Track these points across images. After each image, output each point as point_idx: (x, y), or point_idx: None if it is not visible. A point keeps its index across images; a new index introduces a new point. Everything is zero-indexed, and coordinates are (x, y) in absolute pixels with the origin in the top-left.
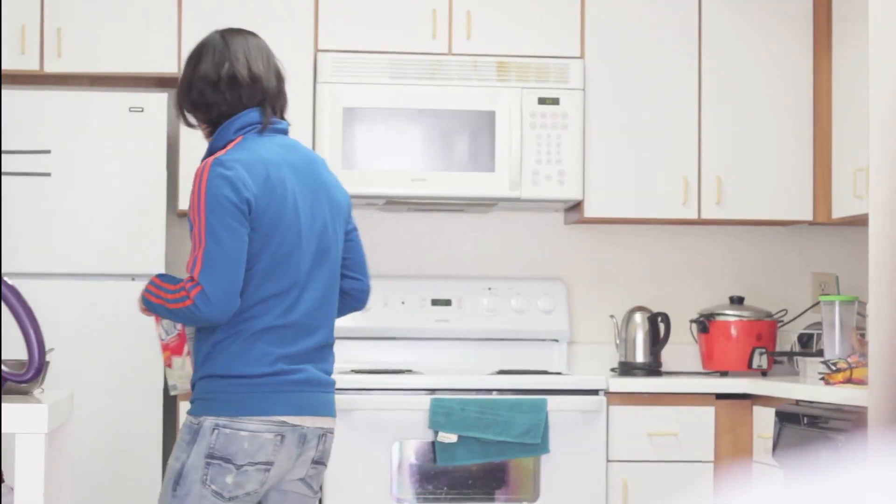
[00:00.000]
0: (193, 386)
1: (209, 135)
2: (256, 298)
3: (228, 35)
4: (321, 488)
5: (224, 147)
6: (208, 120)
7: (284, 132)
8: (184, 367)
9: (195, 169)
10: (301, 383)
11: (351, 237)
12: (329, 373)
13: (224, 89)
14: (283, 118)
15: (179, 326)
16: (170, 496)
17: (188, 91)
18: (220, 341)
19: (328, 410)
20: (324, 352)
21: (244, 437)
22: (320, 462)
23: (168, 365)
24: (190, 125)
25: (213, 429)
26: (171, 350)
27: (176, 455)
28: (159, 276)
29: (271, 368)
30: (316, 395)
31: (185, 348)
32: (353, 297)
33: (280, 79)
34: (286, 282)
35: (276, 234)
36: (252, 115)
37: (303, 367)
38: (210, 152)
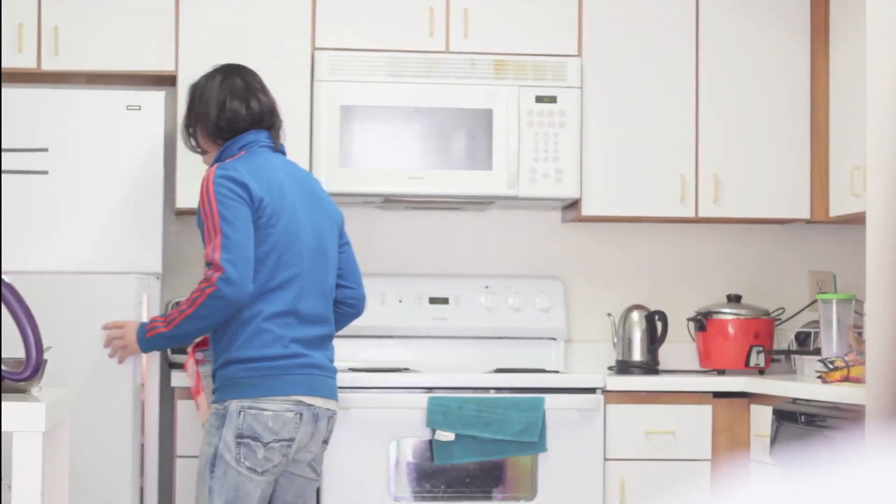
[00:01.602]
0: (214, 375)
1: (213, 153)
2: (267, 286)
3: (234, 72)
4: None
5: (228, 159)
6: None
7: (283, 153)
8: (201, 406)
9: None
10: (311, 367)
11: (344, 249)
12: (332, 360)
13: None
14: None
15: (196, 368)
16: (208, 477)
17: (217, 120)
18: (236, 328)
19: (334, 394)
20: (326, 341)
21: (268, 416)
22: (326, 441)
23: (197, 408)
24: (195, 149)
25: (240, 412)
26: (193, 392)
27: (208, 441)
28: (152, 321)
29: (286, 350)
30: (324, 378)
31: (202, 385)
32: (349, 305)
33: (276, 106)
34: (292, 272)
35: (279, 227)
36: (252, 135)
37: (311, 353)
38: (215, 161)
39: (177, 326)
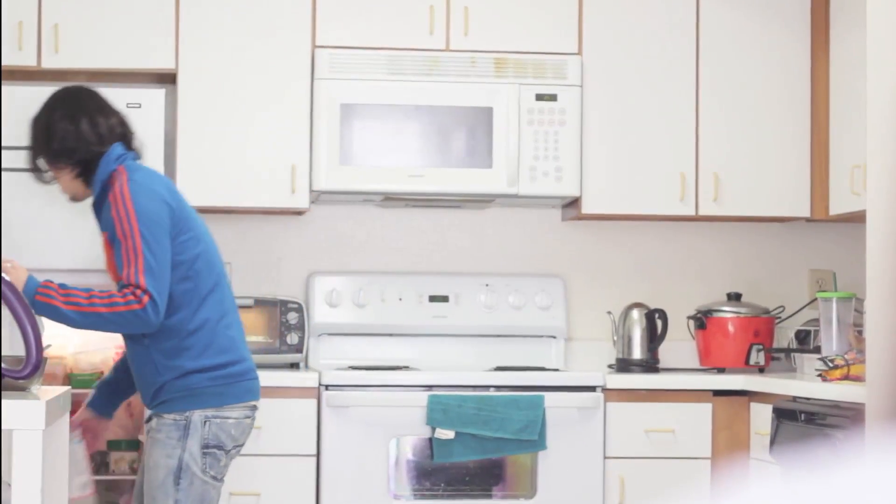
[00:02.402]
0: (162, 387)
1: (77, 175)
2: (203, 292)
3: (80, 95)
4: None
5: (110, 175)
6: (75, 162)
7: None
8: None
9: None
10: (252, 370)
11: None
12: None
13: (87, 134)
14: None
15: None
16: (172, 490)
17: (48, 142)
18: (184, 337)
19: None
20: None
21: (231, 423)
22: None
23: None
24: (45, 181)
25: (204, 422)
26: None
27: (167, 453)
28: (54, 282)
29: (238, 355)
30: (257, 381)
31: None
32: None
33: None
34: (216, 273)
35: (199, 234)
36: (118, 147)
37: (246, 355)
38: (100, 185)
39: (78, 313)
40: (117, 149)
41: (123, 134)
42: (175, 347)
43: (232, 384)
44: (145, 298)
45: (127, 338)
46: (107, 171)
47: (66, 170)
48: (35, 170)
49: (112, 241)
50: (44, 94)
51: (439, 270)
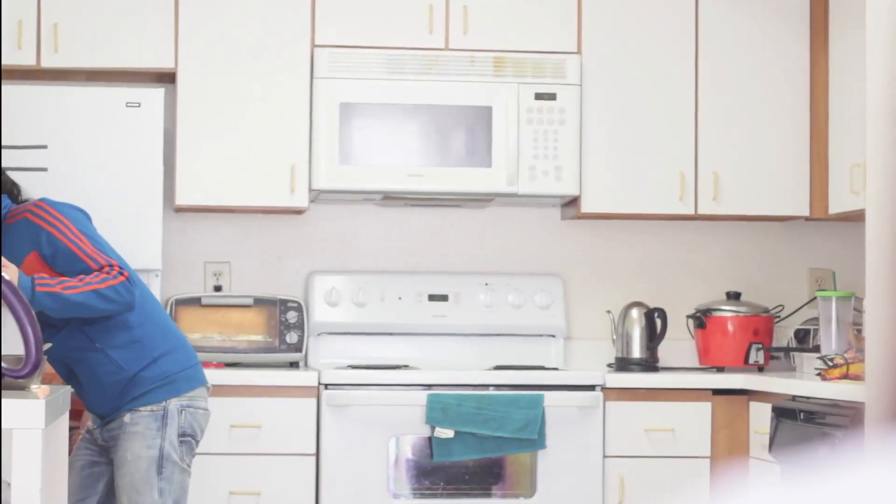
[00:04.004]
0: (132, 380)
1: None
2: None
3: None
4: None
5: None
6: None
7: None
8: None
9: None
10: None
11: None
12: None
13: None
14: None
15: None
16: (156, 479)
17: None
18: (150, 327)
19: None
20: None
21: (201, 414)
22: None
23: None
24: None
25: (180, 410)
26: None
27: (147, 444)
28: (39, 277)
29: (182, 338)
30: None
31: None
32: None
33: None
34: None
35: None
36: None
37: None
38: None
39: (79, 293)
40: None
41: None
42: (129, 339)
43: (194, 367)
44: (125, 273)
45: (75, 352)
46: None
47: None
48: None
49: (53, 256)
50: (43, 94)
51: (439, 269)
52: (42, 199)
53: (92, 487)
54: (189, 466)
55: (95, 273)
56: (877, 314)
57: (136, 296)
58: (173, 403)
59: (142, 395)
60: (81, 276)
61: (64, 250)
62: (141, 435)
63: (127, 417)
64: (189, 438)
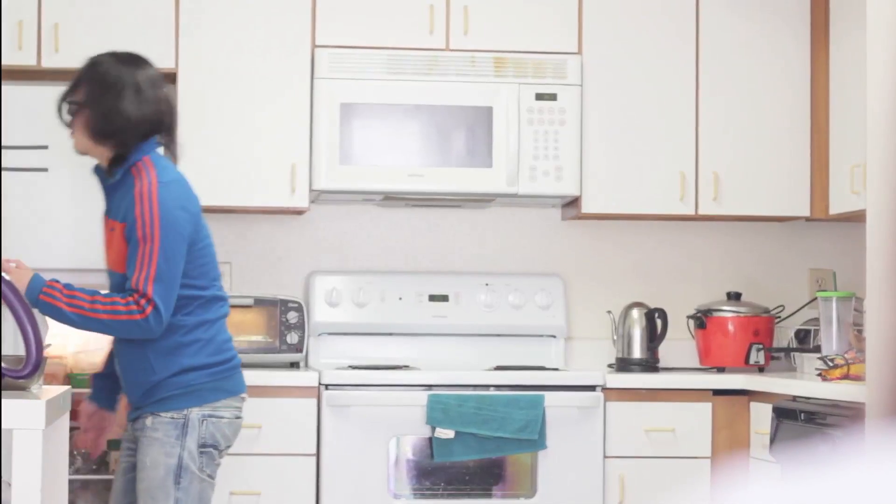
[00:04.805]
0: (157, 385)
1: (93, 137)
2: (208, 294)
3: (135, 66)
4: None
5: (136, 162)
6: (117, 144)
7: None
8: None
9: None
10: (240, 364)
11: None
12: None
13: (143, 119)
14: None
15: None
16: (173, 489)
17: (104, 123)
18: (183, 335)
19: None
20: None
21: (225, 423)
22: None
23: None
24: (63, 120)
25: (202, 420)
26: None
27: (166, 451)
28: (59, 282)
29: (231, 353)
30: (242, 373)
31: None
32: None
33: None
34: (217, 277)
35: (207, 234)
36: (153, 141)
37: (235, 352)
38: (120, 163)
39: (80, 315)
40: (153, 142)
41: (168, 124)
42: (174, 345)
43: (226, 378)
44: (149, 309)
45: (120, 341)
46: (136, 159)
47: (87, 127)
48: (64, 102)
49: (129, 238)
50: (43, 94)
51: (439, 270)
52: (152, 157)
53: (135, 492)
54: (211, 477)
55: (117, 298)
56: (877, 314)
57: (155, 331)
58: (195, 413)
59: (164, 399)
60: (97, 298)
61: (134, 239)
62: (160, 442)
63: (149, 421)
64: (210, 449)
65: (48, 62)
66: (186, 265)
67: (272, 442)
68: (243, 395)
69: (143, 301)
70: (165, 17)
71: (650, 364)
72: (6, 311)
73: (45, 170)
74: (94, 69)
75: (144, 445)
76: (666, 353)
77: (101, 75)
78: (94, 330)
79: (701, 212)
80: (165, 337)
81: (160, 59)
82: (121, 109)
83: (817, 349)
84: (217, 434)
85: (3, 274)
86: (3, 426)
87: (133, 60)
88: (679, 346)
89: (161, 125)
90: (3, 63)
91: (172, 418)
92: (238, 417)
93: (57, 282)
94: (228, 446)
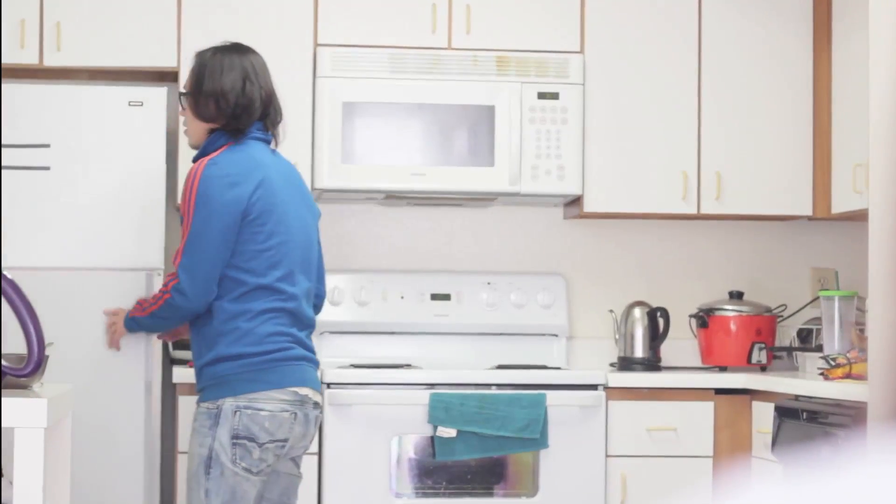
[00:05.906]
0: (199, 372)
1: (208, 131)
2: (259, 284)
3: (241, 53)
4: (306, 474)
5: (216, 150)
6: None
7: (268, 142)
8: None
9: (189, 168)
10: (299, 359)
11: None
12: (315, 353)
13: (245, 106)
14: (268, 131)
15: None
16: (203, 479)
17: (217, 102)
18: (222, 323)
19: (318, 385)
20: (310, 338)
21: (265, 416)
22: (313, 438)
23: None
24: (181, 108)
25: (235, 411)
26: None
27: (199, 441)
28: (140, 302)
29: (276, 345)
30: (310, 370)
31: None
32: (313, 304)
33: (272, 94)
34: (283, 270)
35: (271, 224)
36: (256, 128)
37: (299, 347)
38: (203, 154)
39: (149, 316)
40: (256, 131)
41: (268, 111)
42: (213, 332)
43: (265, 370)
44: (171, 284)
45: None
46: (216, 144)
47: (194, 114)
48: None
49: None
50: (46, 93)
51: (441, 269)
52: (212, 159)
53: None
54: (248, 471)
55: (155, 293)
56: (879, 314)
57: (183, 305)
58: (228, 403)
59: (202, 389)
60: (144, 299)
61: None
62: (196, 431)
63: (194, 409)
64: (244, 441)
65: (50, 61)
66: (239, 246)
67: None
68: (295, 388)
69: (169, 279)
70: (167, 16)
71: (652, 363)
72: (7, 309)
73: (47, 168)
74: (195, 60)
75: (189, 435)
76: (668, 352)
77: (200, 64)
78: (161, 326)
79: (703, 211)
80: (207, 322)
81: (162, 58)
82: (224, 92)
83: (819, 348)
84: (253, 426)
85: (3, 273)
86: (4, 425)
87: (235, 48)
88: (681, 345)
89: (260, 112)
90: (4, 62)
91: (207, 409)
92: (285, 411)
93: (141, 299)
94: (277, 441)
